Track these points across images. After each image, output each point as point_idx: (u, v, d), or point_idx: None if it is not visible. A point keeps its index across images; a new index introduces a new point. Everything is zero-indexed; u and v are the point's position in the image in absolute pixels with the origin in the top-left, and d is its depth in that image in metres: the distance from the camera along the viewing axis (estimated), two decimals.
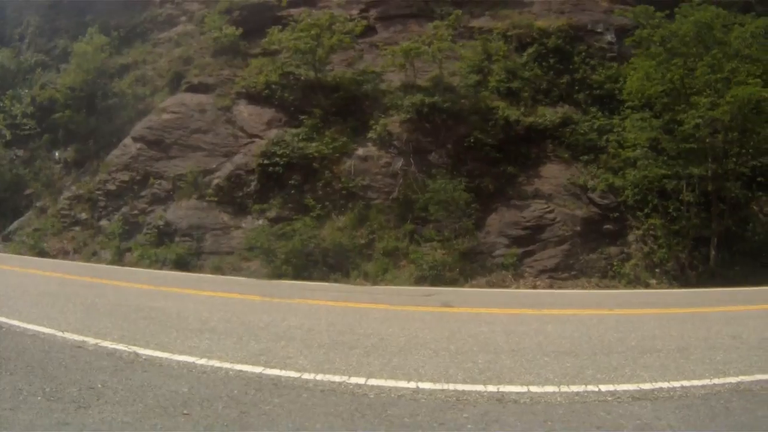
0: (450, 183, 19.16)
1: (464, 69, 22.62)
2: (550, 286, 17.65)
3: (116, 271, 18.56)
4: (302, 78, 23.46)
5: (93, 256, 21.40)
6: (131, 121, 24.89)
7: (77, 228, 23.04)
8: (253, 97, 23.47)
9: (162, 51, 28.35)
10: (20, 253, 22.37)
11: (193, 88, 24.47)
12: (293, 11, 25.48)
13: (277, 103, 23.11)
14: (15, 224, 24.58)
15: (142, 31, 30.03)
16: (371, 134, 21.48)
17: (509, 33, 23.57)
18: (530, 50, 23.01)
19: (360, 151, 21.31)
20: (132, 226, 21.74)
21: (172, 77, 25.85)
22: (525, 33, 23.48)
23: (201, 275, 18.32)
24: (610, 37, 23.23)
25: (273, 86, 23.24)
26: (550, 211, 19.46)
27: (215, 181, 21.51)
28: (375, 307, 12.04)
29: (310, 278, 17.67)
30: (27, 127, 27.85)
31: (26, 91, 29.08)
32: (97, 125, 25.86)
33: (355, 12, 25.57)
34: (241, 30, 25.56)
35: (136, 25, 30.38)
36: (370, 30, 25.08)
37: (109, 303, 11.15)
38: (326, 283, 17.05)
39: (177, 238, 20.64)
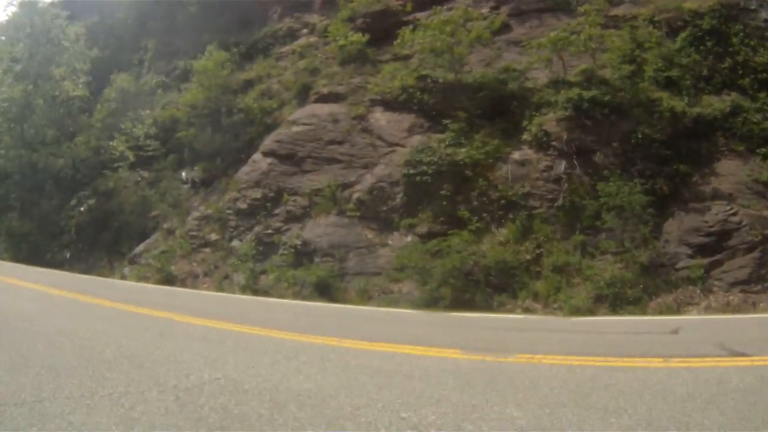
0: (625, 185, 16.79)
1: (615, 60, 20.35)
2: (744, 302, 14.85)
3: (249, 306, 16.13)
4: (440, 80, 21.79)
5: (225, 279, 19.96)
6: (259, 136, 23.88)
7: (207, 249, 21.80)
8: (390, 104, 21.87)
9: (286, 64, 27.41)
10: (146, 277, 21.44)
11: (324, 98, 23.14)
12: (419, 15, 24.15)
13: (417, 108, 21.45)
14: (141, 247, 23.74)
15: (263, 47, 29.34)
16: (525, 136, 19.47)
17: (656, 18, 21.28)
18: (683, 34, 20.70)
19: (516, 155, 19.21)
20: (266, 247, 20.25)
21: (300, 89, 24.70)
22: (674, 16, 21.25)
23: (357, 308, 15.90)
24: (765, 13, 20.90)
25: (410, 90, 21.56)
26: (734, 214, 16.72)
27: (356, 195, 19.82)
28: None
29: (472, 302, 15.65)
30: (150, 148, 27.40)
31: (147, 112, 28.52)
32: (224, 142, 24.89)
33: (485, 10, 23.95)
34: (367, 36, 24.22)
35: (257, 40, 29.84)
36: (504, 27, 23.32)
37: None
38: (519, 316, 14.91)
39: (317, 259, 18.96)
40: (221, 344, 8.46)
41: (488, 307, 15.61)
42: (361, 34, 24.47)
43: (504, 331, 11.68)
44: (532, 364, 7.38)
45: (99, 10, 39.57)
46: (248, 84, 27.14)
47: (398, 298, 16.77)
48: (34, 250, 28.66)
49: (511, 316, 14.79)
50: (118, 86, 30.80)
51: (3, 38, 35.46)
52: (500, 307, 15.74)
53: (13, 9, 33.63)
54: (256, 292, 18.62)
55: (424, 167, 19.04)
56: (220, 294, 18.85)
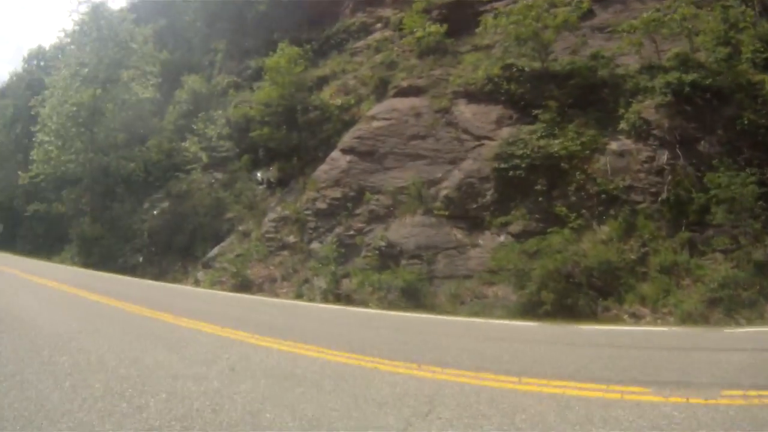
0: (737, 176, 15.29)
1: (709, 42, 18.90)
2: None
3: (334, 316, 14.35)
4: (526, 69, 20.64)
5: (304, 284, 19.06)
6: (337, 133, 23.12)
7: (285, 252, 21.01)
8: (474, 95, 20.80)
9: (361, 59, 26.75)
10: (220, 282, 20.78)
11: (404, 92, 22.20)
12: (497, 4, 23.32)
13: (503, 99, 20.35)
14: (215, 250, 23.14)
15: (336, 42, 28.84)
16: (622, 125, 18.07)
17: None
18: None
19: (613, 146, 17.82)
20: (348, 249, 19.29)
21: (377, 84, 23.91)
22: None
23: (461, 321, 13.89)
24: None
25: (496, 80, 20.46)
26: None
27: (443, 193, 18.74)
28: None
29: (574, 307, 14.22)
30: (224, 149, 26.95)
31: (219, 112, 28.11)
32: (300, 141, 24.28)
33: None
34: (445, 27, 23.35)
35: (329, 36, 29.41)
36: (587, 13, 21.88)
37: None
38: (654, 328, 12.95)
39: (403, 261, 17.90)
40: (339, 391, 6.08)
41: (592, 314, 14.22)
42: (438, 25, 23.59)
43: (656, 352, 9.67)
44: (756, 406, 5.78)
45: (166, 14, 39.77)
46: (323, 80, 26.58)
47: (492, 303, 15.53)
48: (105, 255, 28.54)
49: (641, 328, 13.00)
50: (190, 88, 30.63)
51: (72, 46, 35.64)
52: (604, 313, 14.39)
53: (80, 14, 33.70)
54: (338, 297, 17.69)
55: (517, 161, 17.87)
56: (298, 303, 17.80)
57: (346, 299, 17.45)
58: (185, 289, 20.76)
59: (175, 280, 22.98)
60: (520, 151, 17.97)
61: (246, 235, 22.87)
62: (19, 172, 39.55)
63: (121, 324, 10.47)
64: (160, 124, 31.35)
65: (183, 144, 28.28)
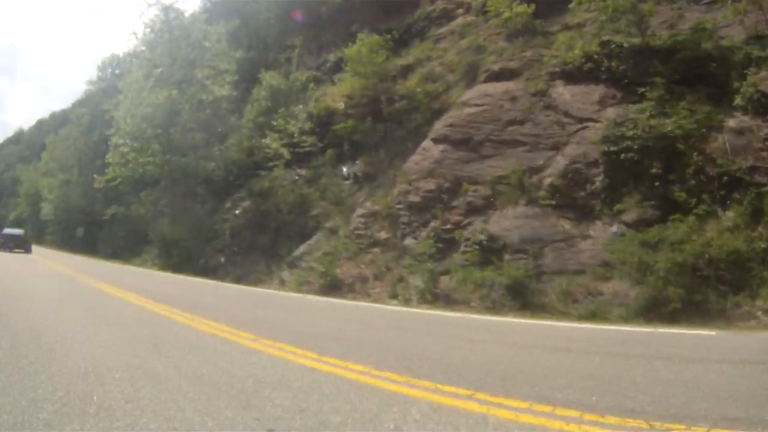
0: None
1: None
2: None
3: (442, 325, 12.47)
4: (625, 45, 19.32)
5: (399, 283, 18.13)
6: (427, 122, 22.27)
7: (376, 249, 20.21)
8: (572, 75, 19.66)
9: (446, 45, 25.94)
10: (308, 282, 20.06)
11: (495, 76, 21.24)
12: None
13: (604, 78, 19.06)
14: (301, 248, 22.58)
15: (417, 30, 28.12)
16: (738, 100, 16.49)
17: None
18: None
19: (731, 123, 16.33)
20: (446, 244, 18.28)
21: (466, 69, 23.08)
22: None
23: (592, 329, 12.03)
24: None
25: (595, 58, 19.27)
26: None
27: (547, 181, 17.62)
28: None
29: (704, 305, 12.80)
30: (306, 144, 26.45)
31: (300, 107, 27.61)
32: (386, 132, 23.49)
33: None
34: (533, 7, 22.38)
35: (410, 25, 28.68)
36: None
37: None
38: None
39: (507, 256, 16.76)
40: None
41: (722, 312, 12.80)
42: (525, 5, 22.54)
43: None
44: None
45: (239, 15, 39.73)
46: (407, 69, 25.77)
47: (609, 300, 14.28)
48: (186, 256, 28.42)
49: None
50: (267, 84, 30.23)
51: (143, 48, 35.79)
52: (734, 310, 12.97)
53: (151, 16, 33.84)
54: (435, 297, 16.72)
55: (628, 142, 16.57)
56: (400, 309, 16.04)
57: (444, 299, 16.49)
58: (276, 295, 19.07)
59: (258, 282, 22.48)
60: (631, 132, 16.68)
61: (333, 232, 22.20)
62: (95, 176, 40.21)
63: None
64: (239, 122, 31.13)
65: (264, 141, 27.86)
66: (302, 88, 30.17)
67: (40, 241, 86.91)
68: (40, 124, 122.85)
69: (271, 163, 27.11)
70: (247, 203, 27.76)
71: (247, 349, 7.41)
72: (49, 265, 27.78)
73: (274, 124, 27.45)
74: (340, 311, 14.53)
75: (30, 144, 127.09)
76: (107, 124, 38.64)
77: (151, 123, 31.28)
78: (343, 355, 7.11)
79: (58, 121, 75.61)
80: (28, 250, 42.40)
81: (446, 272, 17.36)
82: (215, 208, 29.71)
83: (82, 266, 28.76)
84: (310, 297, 18.18)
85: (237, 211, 28.13)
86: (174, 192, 31.82)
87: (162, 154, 31.78)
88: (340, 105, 25.38)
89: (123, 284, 17.74)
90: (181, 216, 30.67)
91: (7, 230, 49.07)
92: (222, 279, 25.16)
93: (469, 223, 18.20)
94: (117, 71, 59.07)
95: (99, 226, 50.74)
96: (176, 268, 27.55)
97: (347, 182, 24.40)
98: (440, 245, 18.19)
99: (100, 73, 62.85)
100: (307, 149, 26.49)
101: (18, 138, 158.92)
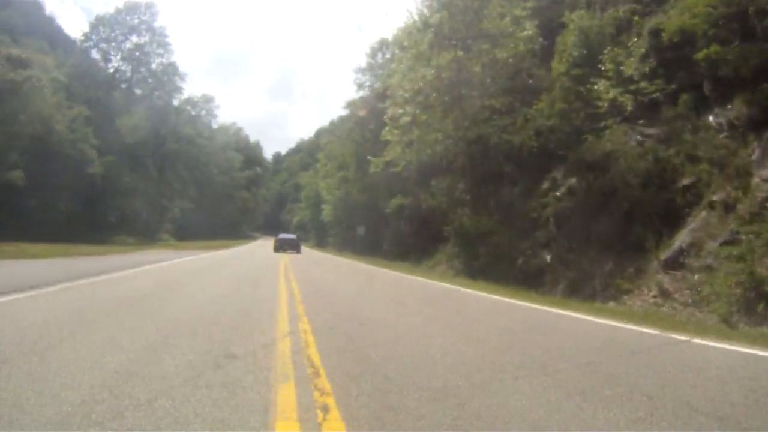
0: None
1: None
2: None
3: None
4: None
5: None
6: None
7: None
8: None
9: None
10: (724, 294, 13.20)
11: None
12: None
13: None
14: (686, 238, 15.73)
15: None
16: None
17: None
18: None
19: None
20: None
21: None
22: None
23: None
24: None
25: None
26: None
27: None
28: None
29: None
30: (649, 91, 19.78)
31: (635, 40, 21.26)
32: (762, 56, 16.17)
33: None
34: None
35: None
36: None
37: None
38: None
39: None
40: None
41: None
42: None
43: None
44: None
45: None
46: None
47: None
48: (496, 255, 23.45)
49: None
50: (576, 27, 24.04)
51: (415, 18, 31.59)
52: None
53: None
54: None
55: None
56: None
57: None
58: None
59: (621, 293, 16.41)
60: None
61: (728, 208, 15.35)
62: (369, 157, 37.56)
63: None
64: (547, 80, 25.30)
65: (593, 87, 21.45)
66: (626, 23, 23.36)
67: (322, 244, 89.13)
68: (319, 132, 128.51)
69: (602, 123, 20.94)
70: (572, 181, 21.90)
71: None
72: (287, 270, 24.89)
73: (602, 68, 21.19)
74: None
75: (309, 151, 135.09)
76: (382, 114, 35.49)
77: (437, 88, 26.90)
78: None
79: (335, 128, 78.45)
80: (298, 251, 52.59)
81: None
82: (528, 190, 24.29)
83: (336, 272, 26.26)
84: None
85: (558, 193, 22.44)
86: (473, 175, 27.03)
87: (455, 129, 27.23)
88: (695, 23, 18.41)
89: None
90: (485, 204, 25.68)
91: (282, 235, 60.89)
92: (550, 288, 19.74)
93: None
94: (387, 55, 57.50)
95: (384, 223, 48.39)
96: (485, 275, 22.62)
97: (722, 135, 17.45)
98: None
99: (370, 60, 61.61)
100: (653, 96, 19.83)
101: (299, 148, 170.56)
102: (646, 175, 18.42)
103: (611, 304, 15.79)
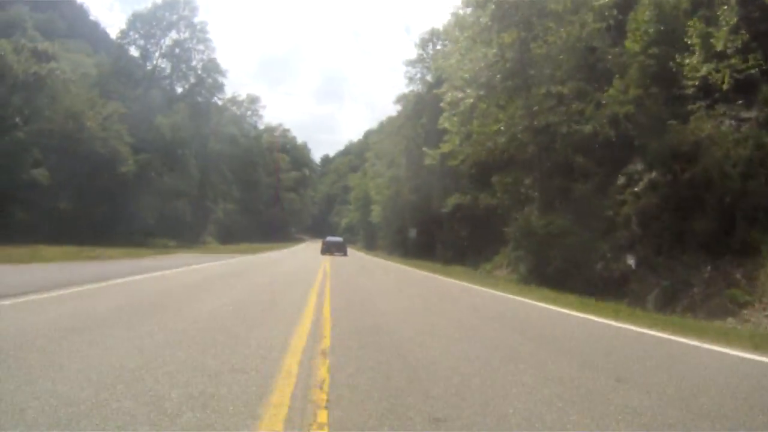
0: None
1: None
2: None
3: None
4: None
5: None
6: None
7: None
8: None
9: None
10: None
11: None
12: None
13: None
14: None
15: None
16: None
17: None
18: None
19: None
20: None
21: None
22: None
23: None
24: None
25: None
26: None
27: None
28: None
29: None
30: (746, 67, 17.11)
31: (725, 8, 18.67)
32: None
33: None
34: None
35: None
36: None
37: None
38: None
39: None
40: None
41: None
42: None
43: None
44: None
45: None
46: None
47: None
48: (569, 260, 21.03)
49: None
50: (651, 2, 21.68)
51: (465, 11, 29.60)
52: None
53: None
54: None
55: None
56: None
57: None
58: None
59: (738, 306, 13.62)
60: None
61: None
62: (425, 149, 35.76)
63: None
64: (620, 62, 22.86)
65: (686, 62, 18.85)
66: None
67: (371, 247, 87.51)
68: (368, 134, 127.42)
69: (689, 106, 18.45)
70: (652, 174, 19.51)
71: None
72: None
73: (689, 43, 18.64)
74: None
75: (358, 153, 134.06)
76: (436, 103, 33.38)
77: (499, 70, 25.25)
78: None
79: (384, 127, 77.23)
80: (344, 253, 53.37)
81: None
82: (602, 186, 21.94)
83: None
84: None
85: (637, 188, 20.07)
86: (541, 169, 24.77)
87: (520, 117, 25.07)
88: None
89: None
90: (553, 203, 23.41)
91: (330, 238, 61.24)
92: (636, 298, 17.16)
93: None
94: (438, 46, 55.67)
95: (437, 225, 46.31)
96: (556, 280, 20.13)
97: None
98: None
99: (420, 52, 59.75)
100: (750, 72, 17.24)
101: (347, 150, 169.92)
102: (748, 164, 15.95)
103: (730, 320, 13.26)
